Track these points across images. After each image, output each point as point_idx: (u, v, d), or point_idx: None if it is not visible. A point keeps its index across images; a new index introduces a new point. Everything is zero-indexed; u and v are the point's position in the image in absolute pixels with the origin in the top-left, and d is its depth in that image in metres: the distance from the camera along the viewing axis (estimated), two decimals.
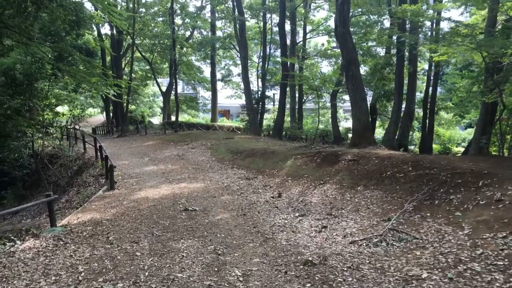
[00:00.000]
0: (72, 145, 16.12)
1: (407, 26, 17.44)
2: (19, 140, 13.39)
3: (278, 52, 31.64)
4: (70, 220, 7.50)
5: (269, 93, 33.62)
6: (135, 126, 28.53)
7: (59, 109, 17.76)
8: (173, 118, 30.70)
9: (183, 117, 38.68)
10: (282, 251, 5.55)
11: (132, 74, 32.72)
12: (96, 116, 50.26)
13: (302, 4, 24.94)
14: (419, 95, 24.23)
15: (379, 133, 27.07)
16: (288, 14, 22.92)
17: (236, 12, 24.17)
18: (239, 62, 30.32)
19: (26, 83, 12.54)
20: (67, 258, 5.37)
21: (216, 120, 35.84)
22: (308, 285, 4.38)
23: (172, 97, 31.37)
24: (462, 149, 29.01)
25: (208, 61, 35.79)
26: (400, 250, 5.38)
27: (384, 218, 6.70)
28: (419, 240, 5.59)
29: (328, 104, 27.12)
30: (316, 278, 4.55)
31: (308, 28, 29.38)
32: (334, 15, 27.90)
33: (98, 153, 13.96)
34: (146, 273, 4.75)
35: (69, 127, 16.48)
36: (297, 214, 7.52)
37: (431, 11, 15.98)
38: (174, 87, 28.78)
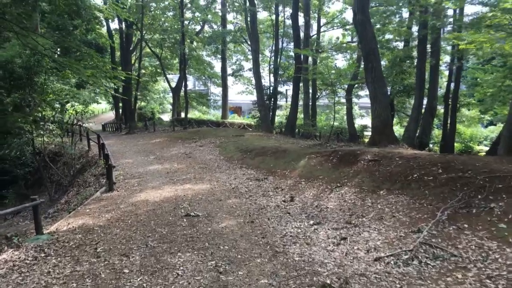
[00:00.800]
0: (75, 143, 15.50)
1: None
2: (20, 137, 12.82)
3: (290, 46, 30.66)
4: (59, 226, 6.78)
5: (281, 88, 32.66)
6: (143, 123, 27.93)
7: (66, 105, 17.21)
8: (182, 114, 30.03)
9: (194, 114, 38.05)
10: (294, 269, 4.70)
11: (142, 70, 32.18)
12: (107, 113, 50.20)
13: None
14: (440, 91, 22.97)
15: (396, 130, 25.87)
16: (301, 5, 21.90)
17: (247, 3, 23.24)
18: (250, 56, 29.41)
19: (26, 77, 11.94)
20: (43, 275, 4.62)
21: (226, 117, 35.02)
22: None
23: (182, 93, 30.68)
24: (484, 148, 27.66)
25: (219, 56, 34.97)
26: (437, 271, 4.48)
27: (413, 228, 5.78)
28: (459, 258, 4.68)
29: (343, 100, 26.05)
30: None
31: (322, 21, 28.33)
32: (349, 8, 26.94)
33: (101, 151, 13.31)
34: None
35: (71, 123, 15.91)
36: (311, 222, 6.65)
37: None
38: (183, 82, 28.06)
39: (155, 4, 29.31)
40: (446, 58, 23.51)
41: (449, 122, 20.35)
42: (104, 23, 28.72)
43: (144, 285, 4.29)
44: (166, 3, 29.75)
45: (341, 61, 30.85)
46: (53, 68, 12.29)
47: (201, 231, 6.19)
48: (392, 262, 4.80)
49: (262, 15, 29.67)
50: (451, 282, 4.18)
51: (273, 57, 27.64)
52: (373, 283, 4.27)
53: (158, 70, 35.10)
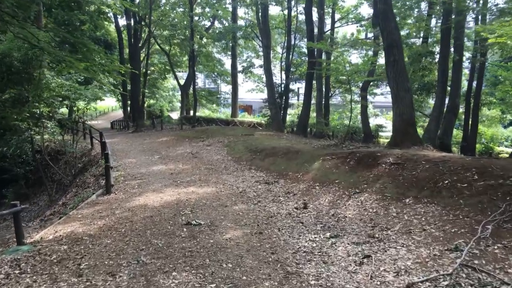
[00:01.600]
0: (77, 141, 14.89)
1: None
2: (19, 134, 12.24)
3: (303, 43, 29.72)
4: (45, 235, 6.08)
5: (293, 86, 31.72)
6: (151, 121, 27.34)
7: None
8: (191, 113, 29.36)
9: (203, 112, 37.37)
10: None
11: (151, 67, 31.62)
12: (117, 111, 49.95)
13: None
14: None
15: None
16: None
17: None
18: (261, 53, 28.59)
19: (24, 71, 11.33)
20: None
21: (236, 115, 34.21)
22: None
23: (191, 91, 30.01)
24: (506, 149, 26.32)
25: (229, 53, 34.19)
26: None
27: (449, 246, 4.91)
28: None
29: (357, 99, 25.04)
30: None
31: (337, 16, 27.30)
32: (365, 2, 25.88)
33: (103, 150, 12.66)
34: None
35: (73, 120, 15.32)
36: (328, 234, 5.81)
37: None
38: (192, 80, 27.36)
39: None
40: (467, 55, 22.29)
41: (470, 122, 19.22)
42: (113, 19, 28.25)
43: None
44: None
45: (355, 58, 29.78)
46: (50, 62, 11.66)
47: (202, 244, 5.42)
48: None
49: (274, 10, 28.84)
50: None
51: (284, 54, 26.73)
52: None
53: (167, 67, 34.51)
